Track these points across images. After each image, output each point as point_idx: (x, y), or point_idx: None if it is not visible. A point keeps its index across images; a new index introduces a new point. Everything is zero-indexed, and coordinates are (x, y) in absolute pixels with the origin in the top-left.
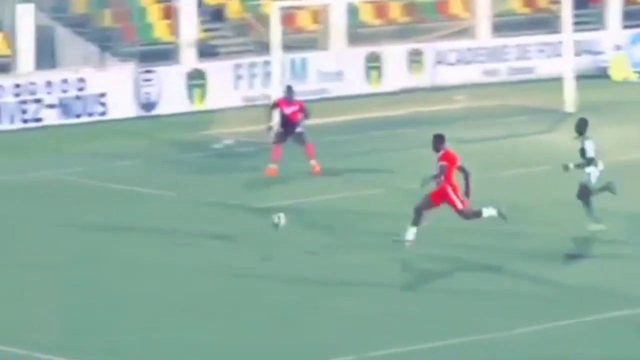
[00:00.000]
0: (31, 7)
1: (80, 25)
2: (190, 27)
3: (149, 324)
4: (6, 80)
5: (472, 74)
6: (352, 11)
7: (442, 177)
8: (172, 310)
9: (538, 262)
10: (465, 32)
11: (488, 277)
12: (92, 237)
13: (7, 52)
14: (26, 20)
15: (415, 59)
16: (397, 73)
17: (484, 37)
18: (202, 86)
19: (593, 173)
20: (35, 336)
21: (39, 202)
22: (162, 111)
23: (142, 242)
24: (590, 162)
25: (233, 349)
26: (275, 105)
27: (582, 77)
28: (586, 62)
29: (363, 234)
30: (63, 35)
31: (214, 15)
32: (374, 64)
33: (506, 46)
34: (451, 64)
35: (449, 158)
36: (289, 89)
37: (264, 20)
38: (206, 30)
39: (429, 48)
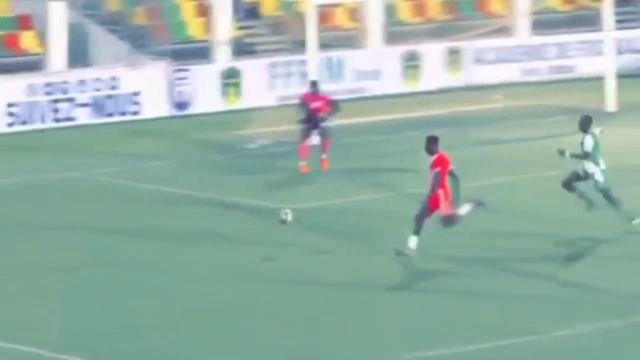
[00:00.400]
0: (63, 4)
1: (113, 23)
2: (224, 25)
3: (174, 325)
4: (38, 79)
5: (510, 73)
6: (390, 9)
7: (438, 185)
8: (196, 311)
9: (571, 265)
10: (504, 30)
11: (518, 279)
12: (118, 238)
13: (39, 50)
14: (58, 17)
15: (453, 57)
16: (434, 72)
17: (523, 35)
18: (237, 85)
19: (596, 172)
20: (52, 337)
21: (69, 203)
22: (196, 110)
23: (171, 244)
24: (586, 156)
25: (246, 352)
26: (302, 101)
27: (624, 76)
28: (628, 60)
29: (389, 236)
30: (96, 33)
31: (249, 13)
32: (411, 62)
33: (546, 44)
34: (490, 63)
35: (443, 162)
36: (314, 84)
37: (300, 18)
38: (241, 28)
39: (468, 46)
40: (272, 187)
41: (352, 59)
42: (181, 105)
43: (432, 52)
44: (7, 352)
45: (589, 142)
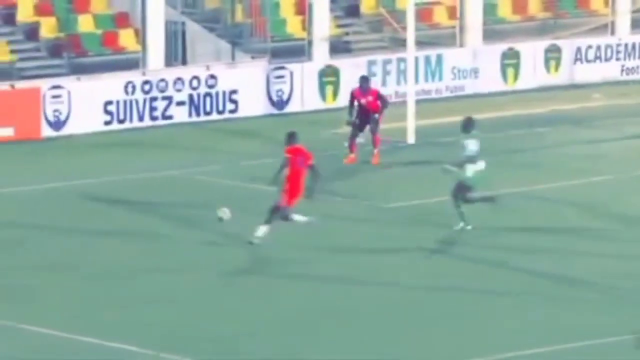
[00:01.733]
0: (161, 2)
1: (211, 21)
2: (323, 23)
3: (283, 328)
4: (136, 77)
5: (611, 71)
6: (489, 6)
7: (286, 170)
8: (304, 315)
9: None
10: (604, 28)
11: (624, 279)
12: (218, 239)
13: (137, 48)
14: (156, 15)
15: (553, 55)
16: (534, 70)
17: (624, 33)
18: (335, 83)
19: (469, 169)
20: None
21: (165, 202)
22: (294, 109)
23: (274, 243)
24: (469, 160)
25: None
26: (352, 97)
27: None
28: None
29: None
30: (194, 31)
31: (348, 11)
32: (510, 60)
33: None
34: (590, 61)
35: (293, 152)
36: (363, 79)
37: (399, 16)
38: (340, 26)
39: (567, 44)
40: (367, 185)
41: (451, 56)
42: (279, 103)
43: (532, 50)
44: (118, 351)
45: (472, 146)
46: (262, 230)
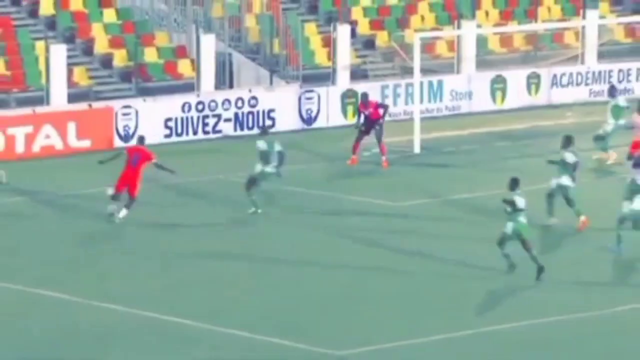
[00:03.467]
0: (212, 37)
1: (253, 52)
2: (345, 54)
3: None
4: (191, 98)
5: (581, 94)
6: (482, 41)
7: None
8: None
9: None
10: (576, 58)
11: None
12: (256, 231)
13: (192, 74)
14: (208, 48)
15: (533, 81)
16: (518, 93)
17: (592, 62)
18: (354, 104)
19: (259, 169)
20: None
21: (216, 198)
22: (321, 125)
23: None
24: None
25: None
26: (359, 109)
27: None
28: None
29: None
30: (239, 60)
31: (366, 44)
32: (499, 85)
33: (610, 70)
34: (564, 86)
35: (130, 151)
36: (363, 95)
37: (407, 48)
38: (359, 57)
39: (546, 72)
40: (378, 187)
41: (450, 82)
42: (308, 120)
43: (516, 76)
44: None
45: (260, 146)
46: (123, 212)
